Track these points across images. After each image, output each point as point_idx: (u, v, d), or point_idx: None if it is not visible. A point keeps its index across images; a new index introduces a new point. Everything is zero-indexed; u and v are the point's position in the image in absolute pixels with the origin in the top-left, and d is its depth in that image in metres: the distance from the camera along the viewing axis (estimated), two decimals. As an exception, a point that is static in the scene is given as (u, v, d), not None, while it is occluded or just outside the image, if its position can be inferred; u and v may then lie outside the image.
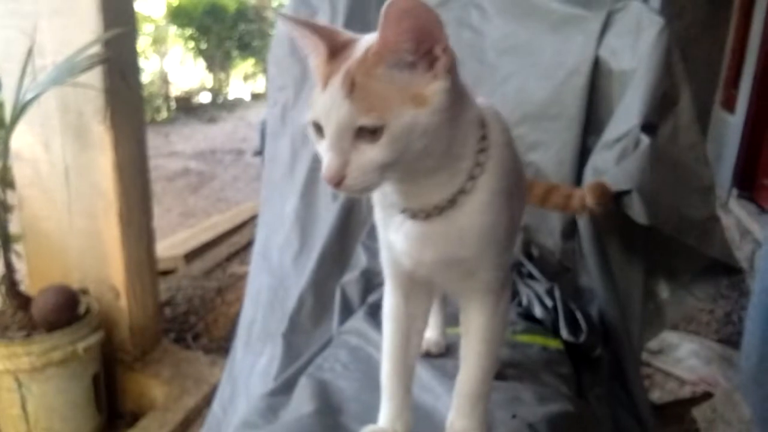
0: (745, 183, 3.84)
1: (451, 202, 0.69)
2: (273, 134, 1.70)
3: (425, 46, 0.61)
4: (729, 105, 4.35)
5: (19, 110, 2.04)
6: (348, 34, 0.67)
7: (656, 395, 2.43)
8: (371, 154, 0.61)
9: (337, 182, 0.62)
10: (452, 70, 0.63)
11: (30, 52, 2.07)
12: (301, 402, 0.90)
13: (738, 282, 3.27)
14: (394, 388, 0.80)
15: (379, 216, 0.77)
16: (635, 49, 1.36)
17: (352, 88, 0.61)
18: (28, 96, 2.04)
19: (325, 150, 0.63)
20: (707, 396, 2.38)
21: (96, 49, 2.12)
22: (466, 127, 0.68)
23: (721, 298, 3.20)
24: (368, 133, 0.61)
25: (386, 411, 0.80)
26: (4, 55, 2.30)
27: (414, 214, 0.70)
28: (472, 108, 0.69)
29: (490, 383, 0.79)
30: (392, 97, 0.61)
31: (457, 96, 0.65)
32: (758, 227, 3.25)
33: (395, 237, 0.74)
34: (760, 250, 2.78)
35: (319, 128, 0.64)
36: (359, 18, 1.69)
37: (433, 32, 0.61)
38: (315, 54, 0.66)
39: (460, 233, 0.70)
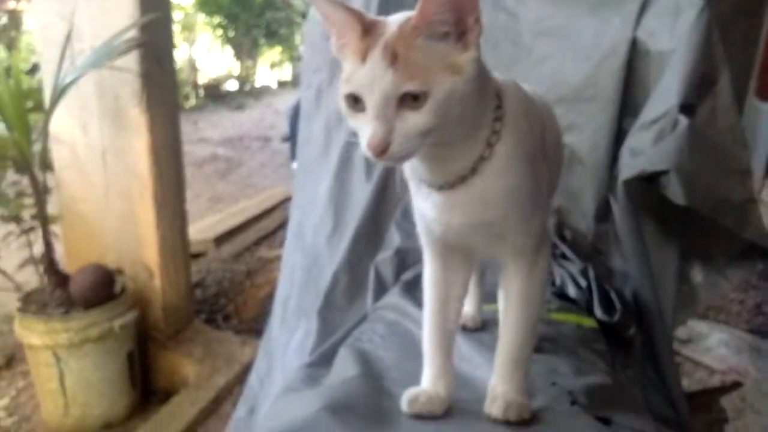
0: (780, 172, 3.76)
1: (473, 170, 0.73)
2: (307, 116, 1.72)
3: (460, 18, 0.65)
4: (763, 93, 4.26)
5: (59, 94, 2.09)
6: (371, 15, 0.70)
7: (685, 384, 2.41)
8: (415, 120, 0.65)
9: (382, 150, 0.64)
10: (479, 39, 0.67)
11: (68, 37, 2.12)
12: (345, 367, 0.92)
13: (769, 272, 3.22)
14: (434, 352, 0.84)
15: (412, 187, 0.81)
16: (674, 29, 1.34)
17: (394, 58, 0.64)
18: (67, 80, 2.09)
19: (368, 120, 0.65)
20: (737, 385, 2.36)
21: (132, 33, 2.16)
22: (486, 96, 0.72)
23: (752, 288, 3.16)
24: (411, 101, 0.64)
25: (428, 374, 0.83)
26: (43, 39, 2.35)
27: (440, 186, 0.74)
28: (490, 79, 0.74)
29: (529, 349, 0.81)
30: (432, 66, 0.65)
31: (482, 67, 0.69)
32: (792, 217, 3.18)
33: (425, 205, 0.78)
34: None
35: (355, 101, 0.67)
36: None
37: (468, 4, 0.65)
38: (344, 32, 0.68)
39: (482, 198, 0.74)
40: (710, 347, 2.69)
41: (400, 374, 0.91)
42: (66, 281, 2.20)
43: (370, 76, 0.64)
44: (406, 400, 0.80)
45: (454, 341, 0.85)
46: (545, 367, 0.90)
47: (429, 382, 0.82)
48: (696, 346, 2.69)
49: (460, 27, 0.66)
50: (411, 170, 0.78)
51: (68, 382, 2.17)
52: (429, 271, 0.84)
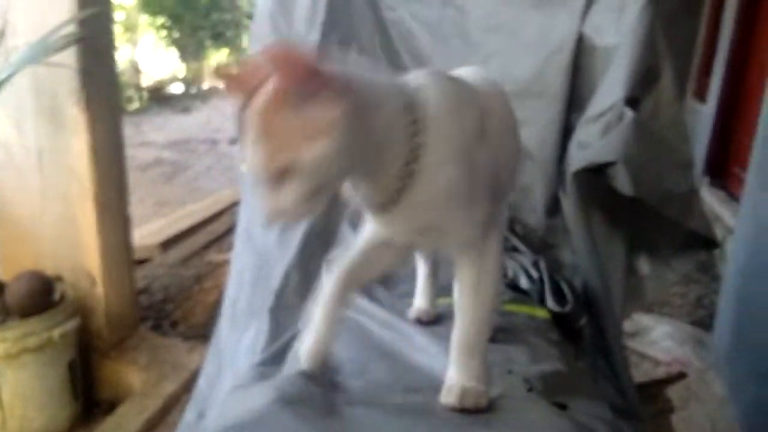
0: (717, 171, 3.91)
1: (402, 189, 0.72)
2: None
3: (313, 82, 0.63)
4: (701, 94, 4.44)
5: (-9, 91, 1.99)
6: (264, 71, 0.65)
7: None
8: (294, 189, 0.64)
9: (277, 219, 0.67)
10: (344, 93, 0.65)
11: (1, 32, 2.02)
12: (297, 362, 0.90)
13: (709, 267, 3.34)
14: (333, 306, 0.84)
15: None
16: (619, 24, 1.37)
17: (259, 133, 0.63)
18: (1, 77, 1.99)
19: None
20: (681, 376, 2.43)
21: (70, 28, 2.08)
22: (383, 125, 0.70)
23: (693, 282, 3.27)
24: (287, 171, 0.64)
25: (317, 329, 0.84)
26: (-26, 35, 2.24)
27: (376, 206, 0.75)
28: (386, 106, 0.71)
29: (484, 337, 0.81)
30: (296, 135, 0.63)
31: (359, 110, 0.66)
32: (729, 214, 3.32)
33: (368, 216, 0.80)
34: (731, 236, 2.84)
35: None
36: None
37: (318, 68, 0.63)
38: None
39: (419, 208, 0.74)
40: (655, 340, 2.77)
41: (355, 367, 0.89)
42: (1, 289, 2.09)
43: (247, 153, 0.64)
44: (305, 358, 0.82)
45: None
46: (500, 357, 0.90)
47: (317, 337, 0.83)
48: (641, 339, 2.77)
49: (318, 89, 0.64)
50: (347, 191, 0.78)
51: (5, 395, 2.06)
52: (367, 232, 0.84)
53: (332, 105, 0.63)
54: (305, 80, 0.62)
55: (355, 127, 0.65)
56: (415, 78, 0.76)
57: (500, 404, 0.77)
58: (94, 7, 2.14)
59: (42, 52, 2.03)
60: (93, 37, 2.16)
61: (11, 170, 2.29)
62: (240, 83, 0.66)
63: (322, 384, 0.80)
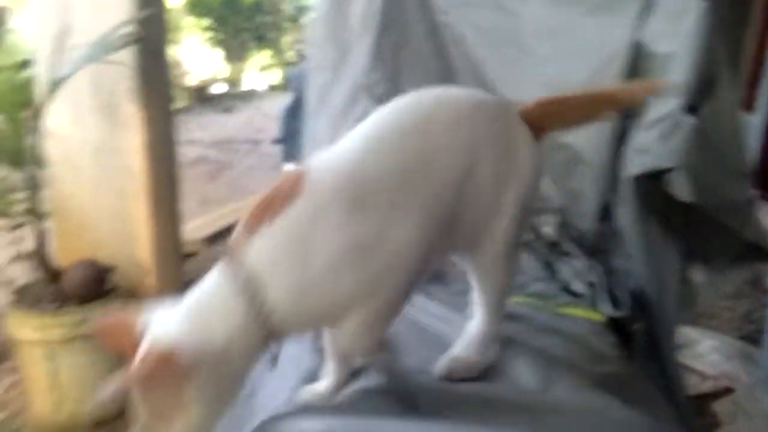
0: (766, 184, 3.80)
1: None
2: (312, 114, 1.72)
3: (161, 375, 0.69)
4: (749, 105, 4.32)
5: (52, 88, 2.06)
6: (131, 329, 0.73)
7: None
8: None
9: None
10: (191, 368, 0.69)
11: (63, 31, 2.10)
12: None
13: (759, 281, 3.26)
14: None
15: None
16: (676, 32, 1.36)
17: (137, 402, 0.71)
18: (62, 75, 2.06)
19: None
20: (729, 390, 2.38)
21: (129, 28, 2.14)
22: (242, 347, 0.74)
23: (742, 297, 3.19)
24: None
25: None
26: (38, 34, 2.32)
27: None
28: (234, 330, 0.74)
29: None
30: (164, 410, 0.71)
31: (213, 363, 0.71)
32: (779, 228, 3.22)
33: None
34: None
35: None
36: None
37: (161, 360, 0.69)
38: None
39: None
40: (702, 353, 2.71)
41: (418, 360, 0.90)
42: (58, 276, 2.17)
43: None
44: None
45: None
46: (561, 354, 0.90)
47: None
48: (687, 352, 2.71)
49: (168, 375, 0.69)
50: None
51: (61, 378, 2.13)
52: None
53: (184, 386, 0.69)
54: (155, 379, 0.68)
55: (216, 377, 0.71)
56: (251, 250, 0.77)
57: (571, 397, 0.78)
58: (151, 8, 2.20)
59: (102, 50, 2.10)
60: (150, 38, 2.23)
61: (69, 165, 2.37)
62: (110, 339, 0.74)
63: (394, 375, 0.82)
